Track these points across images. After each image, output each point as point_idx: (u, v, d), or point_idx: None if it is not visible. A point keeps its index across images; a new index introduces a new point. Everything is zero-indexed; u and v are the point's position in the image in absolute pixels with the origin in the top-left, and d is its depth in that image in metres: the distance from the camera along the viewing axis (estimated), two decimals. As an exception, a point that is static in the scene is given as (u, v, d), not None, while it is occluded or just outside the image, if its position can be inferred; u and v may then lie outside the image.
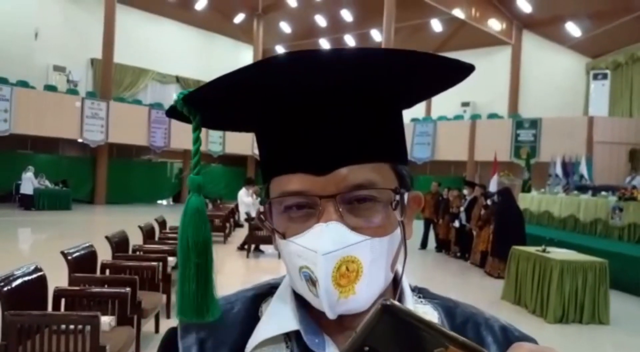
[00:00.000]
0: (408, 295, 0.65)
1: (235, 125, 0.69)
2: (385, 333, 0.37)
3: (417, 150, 19.16)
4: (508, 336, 0.64)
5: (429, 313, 0.65)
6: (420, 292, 0.69)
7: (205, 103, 0.59)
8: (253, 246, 9.65)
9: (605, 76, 16.10)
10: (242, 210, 10.92)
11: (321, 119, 0.57)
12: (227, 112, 0.64)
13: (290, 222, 0.58)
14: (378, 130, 0.59)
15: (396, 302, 0.38)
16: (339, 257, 0.54)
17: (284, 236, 0.58)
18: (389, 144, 0.60)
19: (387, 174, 0.59)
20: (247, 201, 10.67)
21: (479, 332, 0.64)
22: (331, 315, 0.55)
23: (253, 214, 10.08)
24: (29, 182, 16.22)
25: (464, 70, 0.60)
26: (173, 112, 0.61)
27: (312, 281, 0.55)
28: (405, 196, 0.61)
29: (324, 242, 0.53)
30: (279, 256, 0.63)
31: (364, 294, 0.55)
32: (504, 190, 9.20)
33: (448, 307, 0.67)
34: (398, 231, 0.59)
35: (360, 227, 0.56)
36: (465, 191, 10.66)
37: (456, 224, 10.29)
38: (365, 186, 0.56)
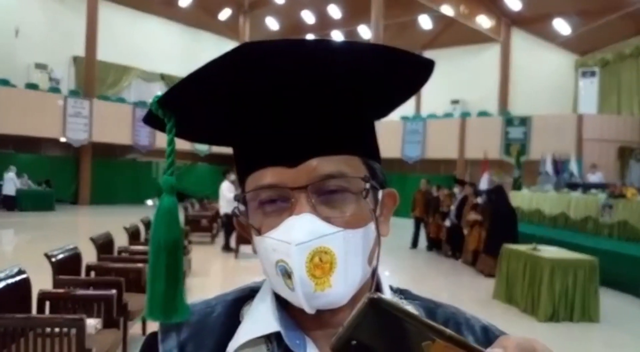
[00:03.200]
0: (386, 291, 0.66)
1: (209, 135, 0.71)
2: (372, 327, 0.38)
3: (407, 149, 19.21)
4: (489, 335, 0.66)
5: None
6: (402, 294, 0.70)
7: (179, 103, 0.60)
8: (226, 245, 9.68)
9: (593, 74, 16.32)
10: (224, 207, 9.88)
11: (290, 111, 0.58)
12: (201, 114, 0.64)
13: (265, 217, 0.59)
14: (348, 123, 0.60)
15: (383, 296, 0.38)
16: (312, 248, 0.54)
17: (259, 232, 0.59)
18: (359, 138, 0.62)
19: (357, 166, 0.60)
20: (229, 196, 9.42)
21: (460, 332, 0.65)
22: (308, 309, 0.55)
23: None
24: (11, 183, 16.02)
25: (427, 65, 0.61)
26: (150, 119, 0.63)
27: (287, 274, 0.55)
28: (380, 193, 0.63)
29: (296, 233, 0.54)
30: None
31: (340, 287, 0.55)
32: (496, 188, 9.22)
33: (429, 308, 0.68)
34: (372, 225, 0.59)
35: (333, 218, 0.56)
36: (456, 190, 10.69)
37: (447, 223, 10.30)
38: (335, 175, 0.57)
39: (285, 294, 0.58)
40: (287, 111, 0.58)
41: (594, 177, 13.60)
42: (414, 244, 11.45)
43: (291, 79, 0.58)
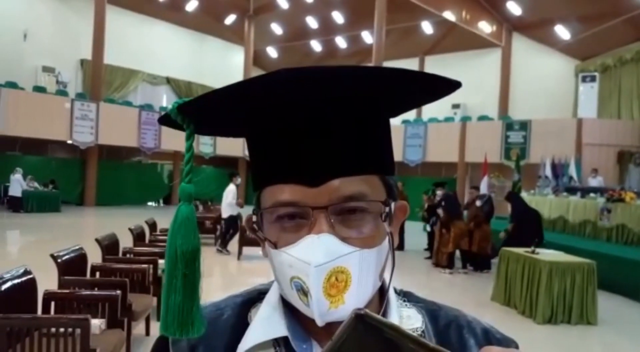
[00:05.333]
0: (393, 301, 0.67)
1: (228, 134, 0.70)
2: (359, 340, 0.39)
3: (409, 153, 19.22)
4: (490, 338, 0.67)
5: (413, 317, 0.67)
6: (405, 296, 0.71)
7: (199, 113, 0.60)
8: (221, 246, 9.79)
9: (593, 78, 16.25)
10: (227, 210, 9.82)
11: (314, 131, 0.58)
12: (221, 122, 0.65)
13: (282, 232, 0.59)
14: (369, 143, 0.60)
15: (369, 312, 0.39)
16: (330, 268, 0.55)
17: (275, 246, 0.59)
18: (379, 156, 0.62)
19: (376, 185, 0.60)
20: (231, 200, 9.66)
21: (461, 335, 0.67)
22: (320, 323, 0.56)
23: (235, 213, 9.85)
24: (17, 184, 16.06)
25: (451, 86, 0.61)
26: (166, 120, 0.61)
27: (303, 291, 0.56)
28: (392, 206, 0.63)
29: (316, 254, 0.55)
30: None
31: (352, 303, 0.55)
32: (511, 194, 9.16)
33: (432, 311, 0.69)
34: (386, 242, 0.60)
35: (351, 238, 0.57)
36: (438, 192, 10.73)
37: (427, 227, 10.52)
38: (356, 197, 0.57)
39: (298, 305, 0.59)
40: (311, 132, 0.58)
41: (594, 182, 13.57)
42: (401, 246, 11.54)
43: (318, 103, 0.57)
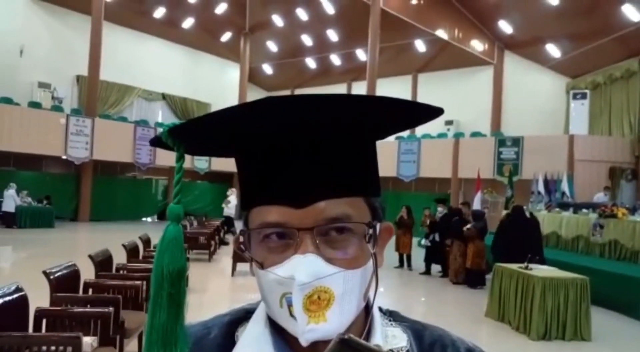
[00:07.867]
0: (378, 320, 0.67)
1: (217, 154, 0.73)
2: None
3: (403, 168, 19.30)
4: None
5: (398, 336, 0.68)
6: (391, 315, 0.72)
7: (190, 136, 0.62)
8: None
9: (584, 96, 16.47)
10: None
11: (301, 154, 0.60)
12: (211, 144, 0.67)
13: (269, 252, 0.60)
14: (354, 166, 0.62)
15: (352, 336, 0.41)
16: (312, 287, 0.56)
17: (262, 266, 0.60)
18: (364, 179, 0.63)
19: (361, 207, 0.62)
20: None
21: None
22: (303, 342, 0.57)
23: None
24: (11, 200, 15.94)
25: (434, 113, 0.64)
26: (157, 142, 0.63)
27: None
28: (377, 227, 0.64)
29: (300, 273, 0.56)
30: None
31: (335, 322, 0.57)
32: (517, 207, 9.18)
33: (416, 330, 0.70)
34: (370, 263, 0.62)
35: (336, 259, 0.58)
36: (439, 208, 10.78)
37: (423, 241, 10.54)
38: (341, 219, 0.59)
39: (287, 324, 0.59)
40: (298, 155, 0.60)
41: (605, 199, 13.32)
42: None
43: (304, 127, 0.59)
